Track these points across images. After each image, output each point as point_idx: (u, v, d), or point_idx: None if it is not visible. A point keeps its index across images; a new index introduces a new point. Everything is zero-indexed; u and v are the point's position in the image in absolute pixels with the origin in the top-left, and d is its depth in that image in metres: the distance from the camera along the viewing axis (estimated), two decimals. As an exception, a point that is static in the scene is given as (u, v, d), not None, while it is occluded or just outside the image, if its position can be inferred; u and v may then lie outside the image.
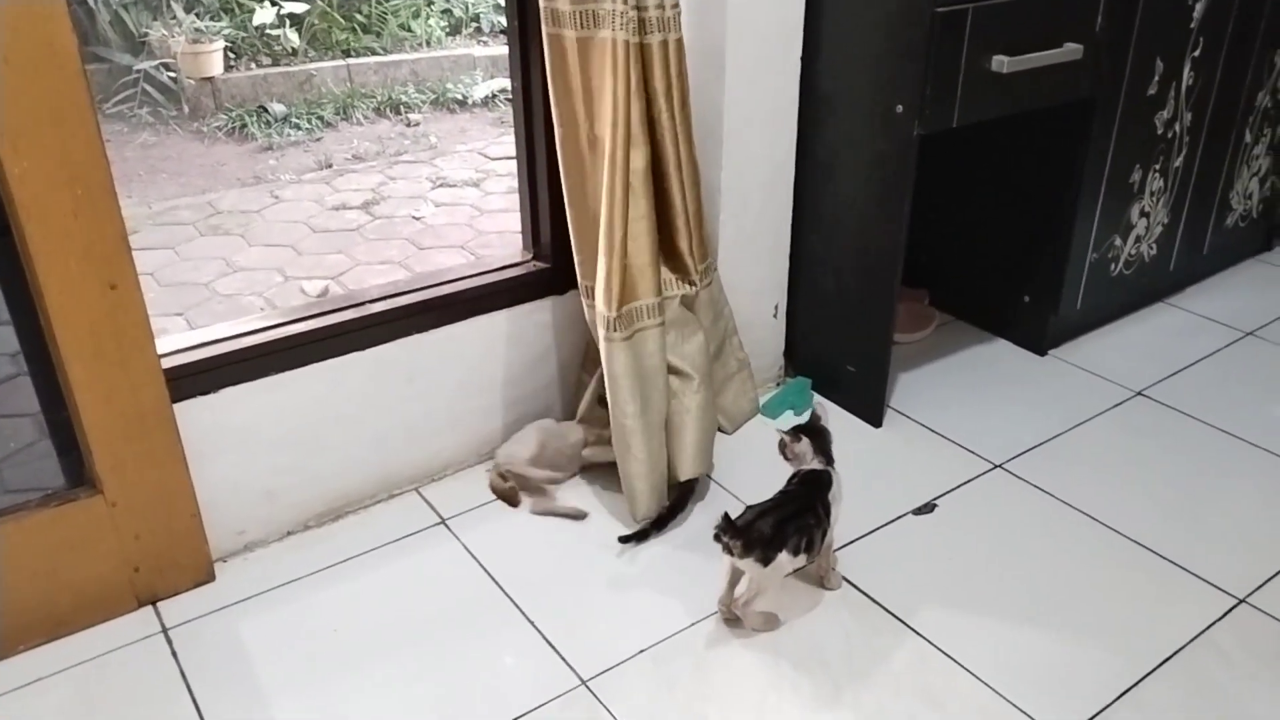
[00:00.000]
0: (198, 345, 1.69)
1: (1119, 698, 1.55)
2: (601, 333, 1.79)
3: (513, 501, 1.95)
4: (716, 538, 1.57)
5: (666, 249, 1.90)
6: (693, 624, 1.68)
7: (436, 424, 1.98)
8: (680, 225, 1.88)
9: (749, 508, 1.62)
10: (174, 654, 1.63)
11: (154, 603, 1.72)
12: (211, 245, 3.69)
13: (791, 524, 1.58)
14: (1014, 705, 1.54)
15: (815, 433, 1.71)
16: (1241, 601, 1.73)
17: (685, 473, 1.93)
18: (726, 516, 1.57)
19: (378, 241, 3.71)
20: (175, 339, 1.70)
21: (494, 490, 1.97)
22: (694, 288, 1.94)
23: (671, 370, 1.92)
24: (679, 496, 1.92)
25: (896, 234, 2.01)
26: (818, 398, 2.26)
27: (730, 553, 1.58)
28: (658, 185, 1.84)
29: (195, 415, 1.69)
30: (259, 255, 3.61)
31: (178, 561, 1.72)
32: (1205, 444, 2.15)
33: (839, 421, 2.21)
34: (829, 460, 1.70)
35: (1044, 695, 1.55)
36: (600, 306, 1.78)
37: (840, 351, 2.22)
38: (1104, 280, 2.43)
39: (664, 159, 1.81)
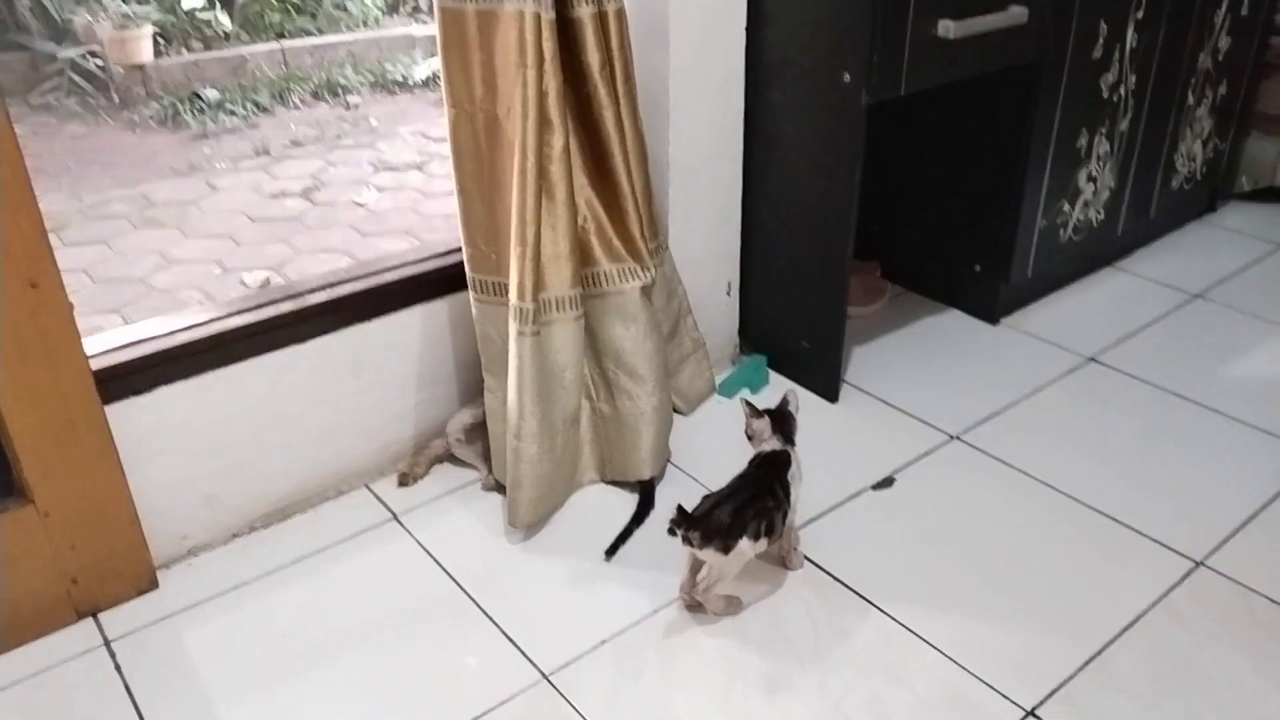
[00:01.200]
0: (129, 344, 1.62)
1: (1083, 667, 1.55)
2: (513, 326, 1.73)
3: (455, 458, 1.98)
4: (671, 531, 1.54)
5: (620, 234, 1.84)
6: (654, 612, 1.65)
7: (386, 417, 1.92)
8: (629, 209, 1.82)
9: (705, 497, 1.59)
10: (117, 667, 1.57)
11: (95, 614, 1.65)
12: (146, 238, 3.58)
13: (750, 509, 1.55)
14: (981, 680, 1.53)
15: (779, 416, 1.68)
16: (1199, 564, 1.74)
17: (643, 473, 1.90)
18: (681, 509, 1.53)
19: (319, 229, 3.62)
20: (105, 338, 1.63)
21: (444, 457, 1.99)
22: (650, 274, 1.87)
23: (628, 371, 1.87)
24: (645, 495, 1.88)
25: (847, 206, 1.98)
26: (792, 386, 2.22)
27: (689, 544, 1.54)
28: (600, 167, 1.78)
29: (129, 417, 1.62)
30: (196, 247, 3.50)
31: (118, 571, 1.65)
32: (1158, 408, 2.16)
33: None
34: (788, 441, 1.67)
35: (1010, 668, 1.54)
36: (513, 298, 1.72)
37: (794, 327, 2.19)
38: (1053, 247, 2.43)
39: (605, 140, 1.75)
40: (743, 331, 2.31)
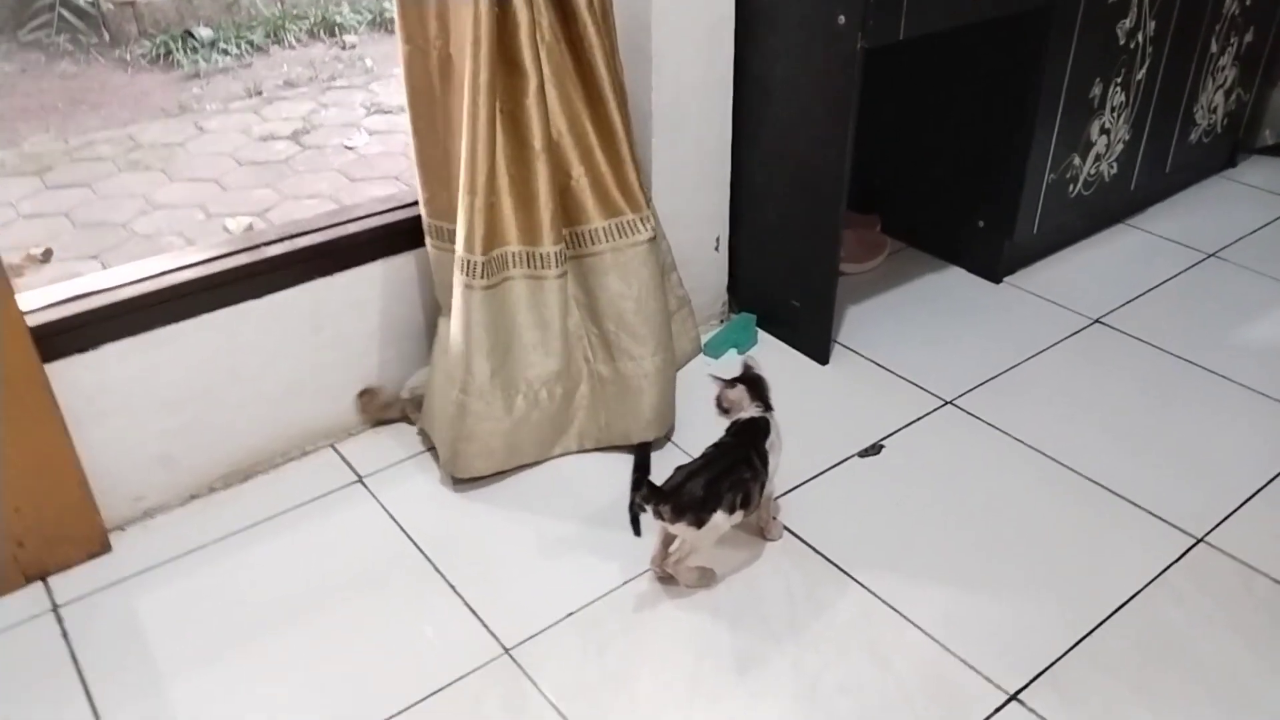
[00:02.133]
0: (70, 299, 1.54)
1: (1071, 648, 1.47)
2: (458, 278, 1.64)
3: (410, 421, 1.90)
4: (640, 506, 1.46)
5: (619, 184, 1.74)
6: (624, 583, 1.57)
7: (350, 375, 1.84)
8: (625, 154, 1.71)
9: (678, 468, 1.51)
10: (64, 634, 1.51)
11: (44, 578, 1.59)
12: (131, 182, 3.48)
13: (724, 480, 1.47)
14: (963, 661, 1.45)
15: (750, 381, 1.59)
16: (1199, 541, 1.65)
17: (646, 435, 1.82)
18: (649, 483, 1.46)
19: (307, 174, 3.51)
20: (43, 293, 1.55)
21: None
22: (651, 227, 1.77)
23: (629, 331, 1.78)
24: (641, 456, 1.77)
25: (840, 158, 1.87)
26: (750, 352, 2.12)
27: (660, 518, 1.47)
28: (595, 113, 1.68)
29: (73, 375, 1.55)
30: (181, 191, 3.40)
31: (66, 534, 1.59)
32: (1165, 373, 2.06)
33: (784, 359, 2.10)
34: (766, 407, 1.58)
35: (995, 649, 1.47)
36: (459, 249, 1.62)
37: (784, 285, 2.10)
38: (1062, 202, 2.31)
39: (598, 83, 1.64)
40: (731, 289, 2.21)
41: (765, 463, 1.54)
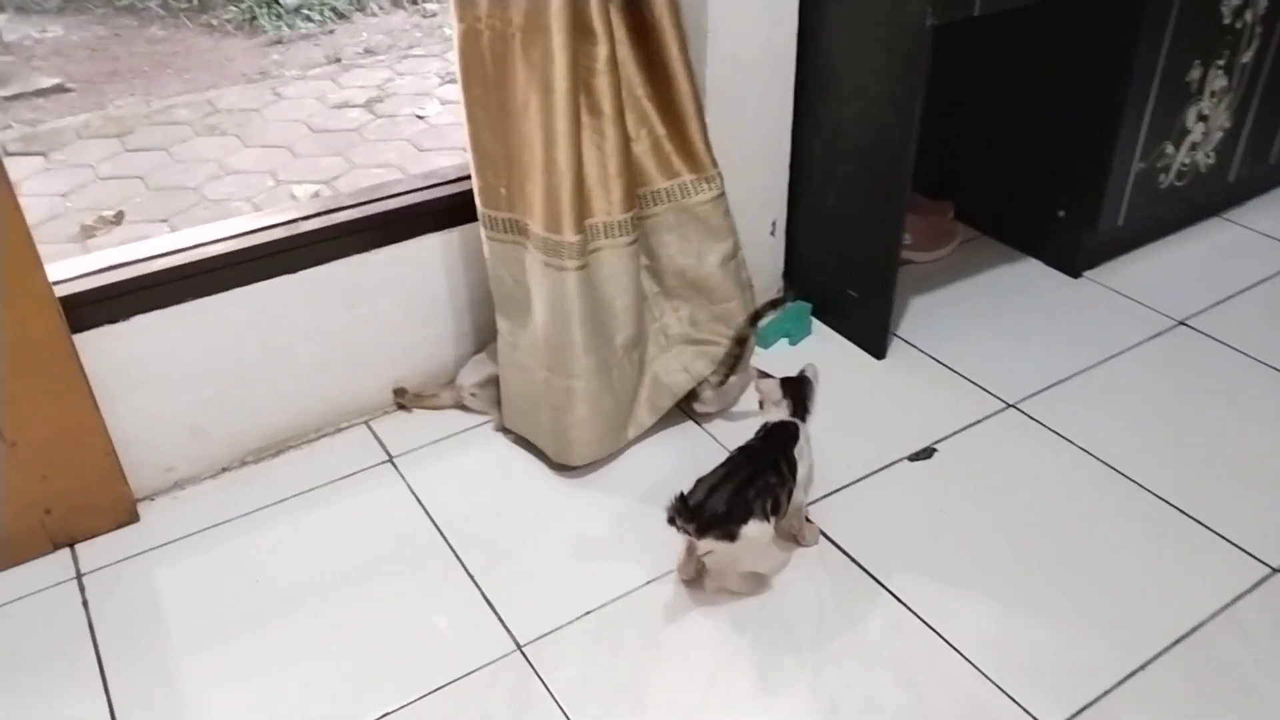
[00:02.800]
0: (100, 270, 1.53)
1: (1120, 683, 1.36)
2: (537, 260, 1.57)
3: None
4: (671, 521, 1.39)
5: (679, 146, 1.68)
6: (647, 583, 1.51)
7: (384, 353, 1.81)
8: (692, 113, 1.64)
9: (699, 481, 1.43)
10: (85, 602, 1.51)
11: (72, 545, 1.60)
12: (206, 146, 3.51)
13: (749, 488, 1.39)
14: (998, 687, 1.36)
15: (793, 381, 1.51)
16: (1275, 572, 1.51)
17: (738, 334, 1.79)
18: (681, 497, 1.38)
19: (378, 142, 3.50)
20: (74, 264, 1.54)
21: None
22: (716, 185, 1.71)
23: (692, 285, 1.77)
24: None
25: (905, 140, 1.75)
26: (802, 343, 2.03)
27: (687, 534, 1.40)
28: (654, 75, 1.61)
29: (103, 346, 1.54)
30: (253, 157, 3.43)
31: (94, 503, 1.59)
32: (1253, 384, 1.90)
33: (838, 351, 2.00)
34: (802, 411, 1.49)
35: (1035, 678, 1.37)
36: (539, 230, 1.56)
37: (842, 274, 1.99)
38: (1151, 193, 2.14)
39: (661, 41, 1.56)
40: (788, 275, 2.11)
41: (793, 469, 1.45)
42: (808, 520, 1.56)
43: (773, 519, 1.42)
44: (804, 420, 1.50)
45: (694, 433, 1.80)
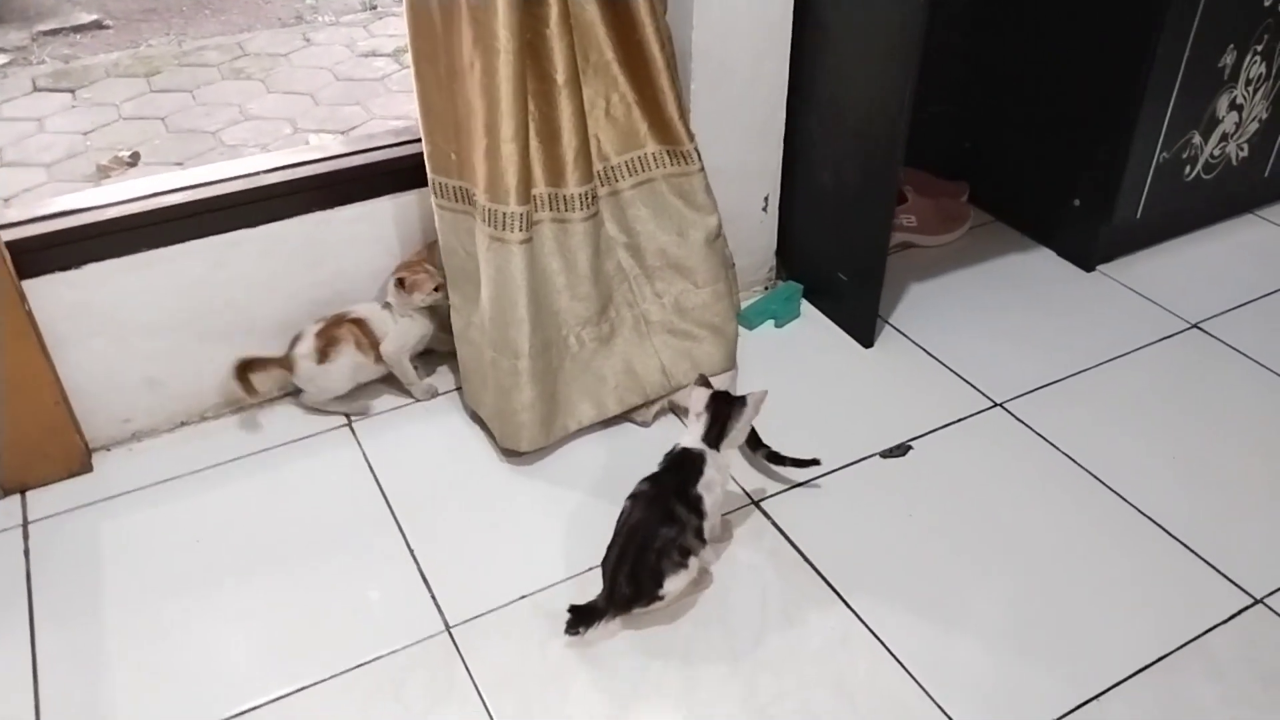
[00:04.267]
0: (51, 215, 1.50)
1: (1068, 713, 1.28)
2: (485, 232, 1.51)
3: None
4: (575, 632, 1.34)
5: (649, 116, 1.60)
6: (589, 569, 1.45)
7: (351, 314, 1.77)
8: (664, 84, 1.56)
9: (605, 559, 1.36)
10: (26, 551, 1.50)
11: (24, 491, 1.60)
12: (231, 90, 3.50)
13: (649, 555, 1.33)
14: (940, 708, 1.28)
15: (726, 402, 1.41)
16: (1258, 602, 1.42)
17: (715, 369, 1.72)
18: (573, 610, 1.33)
19: (400, 93, 3.45)
20: (24, 208, 1.52)
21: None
22: (690, 161, 1.64)
23: (678, 267, 1.70)
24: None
25: (899, 115, 1.65)
26: (788, 326, 1.95)
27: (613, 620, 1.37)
28: (624, 38, 1.53)
29: (54, 293, 1.52)
30: (275, 103, 3.40)
31: (45, 451, 1.58)
32: (1265, 397, 1.78)
33: (824, 337, 1.92)
34: (715, 436, 1.40)
35: (979, 699, 1.29)
36: (482, 199, 1.49)
37: (832, 255, 1.90)
38: (1175, 185, 2.01)
39: (632, 7, 1.48)
40: (781, 254, 2.03)
41: (697, 507, 1.36)
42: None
43: (691, 559, 1.36)
44: (716, 448, 1.40)
45: (668, 419, 1.74)
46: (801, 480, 1.60)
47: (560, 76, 1.46)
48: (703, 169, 1.66)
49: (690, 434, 1.41)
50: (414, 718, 1.28)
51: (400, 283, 1.66)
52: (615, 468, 1.60)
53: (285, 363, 1.67)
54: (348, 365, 1.68)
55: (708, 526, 1.38)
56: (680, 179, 1.65)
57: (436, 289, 1.67)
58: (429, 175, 1.57)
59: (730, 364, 1.74)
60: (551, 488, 1.60)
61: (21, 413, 1.54)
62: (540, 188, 1.52)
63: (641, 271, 1.70)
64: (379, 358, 1.70)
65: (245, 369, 1.64)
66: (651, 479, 1.39)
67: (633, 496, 1.38)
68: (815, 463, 1.58)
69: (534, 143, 1.50)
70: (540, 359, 1.57)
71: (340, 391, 1.71)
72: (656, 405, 1.71)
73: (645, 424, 1.71)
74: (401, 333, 1.70)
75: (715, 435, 1.40)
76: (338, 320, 1.69)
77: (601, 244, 1.61)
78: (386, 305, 1.71)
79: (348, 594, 1.44)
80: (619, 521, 1.38)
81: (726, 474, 1.43)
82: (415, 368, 1.75)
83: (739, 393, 1.44)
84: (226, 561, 1.49)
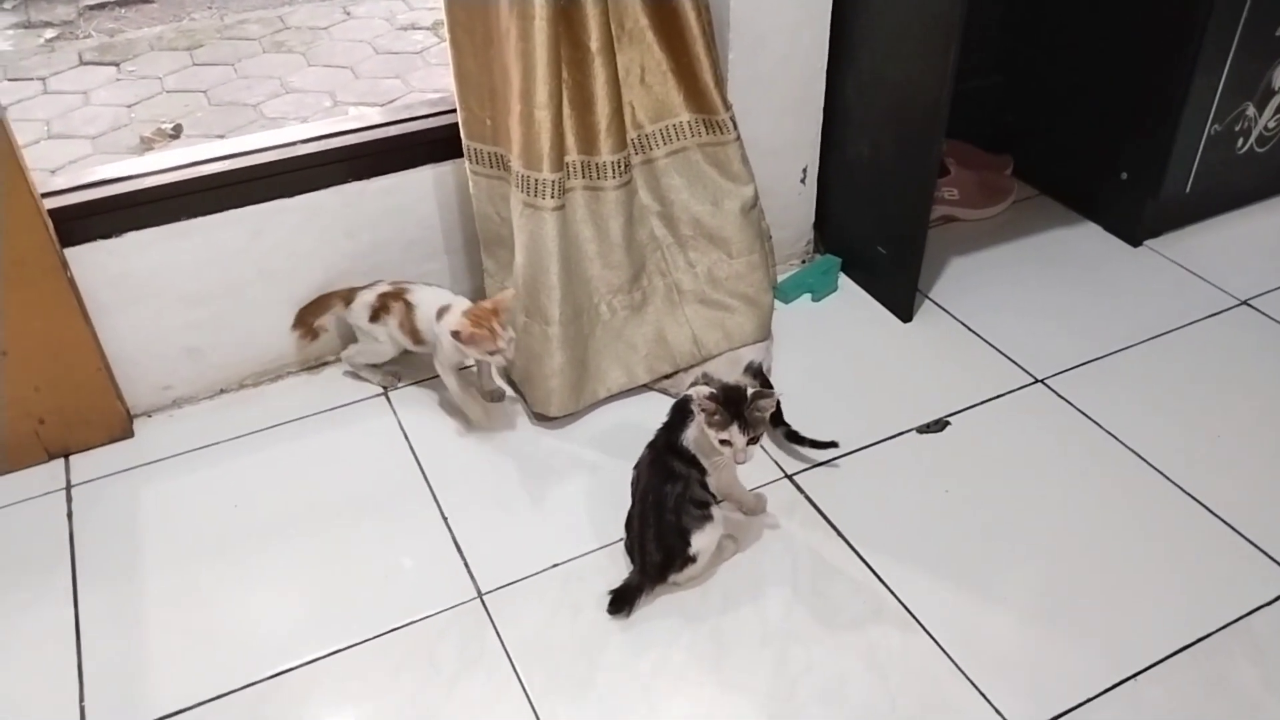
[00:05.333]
0: (92, 184, 1.52)
1: (1105, 691, 1.26)
2: (518, 197, 1.51)
3: None
4: (619, 613, 1.36)
5: (686, 86, 1.59)
6: (620, 539, 1.45)
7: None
8: (700, 53, 1.55)
9: (627, 530, 1.39)
10: (69, 514, 1.53)
11: (67, 456, 1.63)
12: (272, 63, 3.52)
13: (665, 516, 1.33)
14: (971, 684, 1.27)
15: (732, 400, 1.29)
16: (1304, 584, 1.39)
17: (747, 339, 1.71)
18: (613, 594, 1.36)
19: (438, 67, 3.45)
20: (67, 176, 1.54)
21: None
22: (725, 132, 1.63)
23: (712, 237, 1.68)
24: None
25: (940, 85, 1.62)
26: (826, 300, 1.92)
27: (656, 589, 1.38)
28: (659, 5, 1.51)
29: (95, 261, 1.54)
30: (316, 77, 3.42)
31: (87, 416, 1.61)
32: (1316, 374, 1.74)
33: (863, 311, 1.89)
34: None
35: (1016, 677, 1.28)
36: (517, 166, 1.49)
37: (871, 229, 1.88)
38: (1226, 159, 1.96)
39: None
40: (819, 227, 2.00)
41: (690, 458, 1.33)
42: (752, 491, 1.50)
43: (710, 509, 1.35)
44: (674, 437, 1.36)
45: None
46: (828, 459, 1.58)
47: (594, 44, 1.45)
48: (739, 138, 1.64)
49: (686, 389, 1.40)
50: (445, 682, 1.29)
51: (456, 333, 1.50)
52: (648, 437, 1.59)
53: (347, 296, 1.68)
54: (386, 336, 1.67)
55: (712, 480, 1.36)
56: (715, 148, 1.64)
57: (492, 353, 1.52)
58: (464, 141, 1.57)
59: (763, 335, 1.73)
60: (585, 457, 1.60)
61: (64, 378, 1.56)
62: (573, 155, 1.52)
63: (675, 240, 1.70)
64: (417, 342, 1.66)
65: (306, 314, 1.69)
66: (650, 444, 1.39)
67: (637, 465, 1.39)
68: (833, 445, 1.56)
69: (567, 110, 1.50)
70: (571, 325, 1.56)
71: (379, 356, 1.71)
72: (690, 375, 1.71)
73: (676, 396, 1.70)
74: (369, 350, 1.70)
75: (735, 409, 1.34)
76: (398, 293, 1.65)
77: (635, 212, 1.60)
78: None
79: (382, 560, 1.45)
80: (632, 495, 1.38)
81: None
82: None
83: (773, 363, 1.42)
84: (263, 527, 1.51)
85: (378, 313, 1.65)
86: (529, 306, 1.56)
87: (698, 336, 1.70)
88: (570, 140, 1.51)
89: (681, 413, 1.36)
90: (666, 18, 1.51)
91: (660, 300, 1.70)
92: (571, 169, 1.51)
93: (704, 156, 1.64)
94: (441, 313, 1.58)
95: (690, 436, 1.33)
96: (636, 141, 1.59)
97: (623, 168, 1.54)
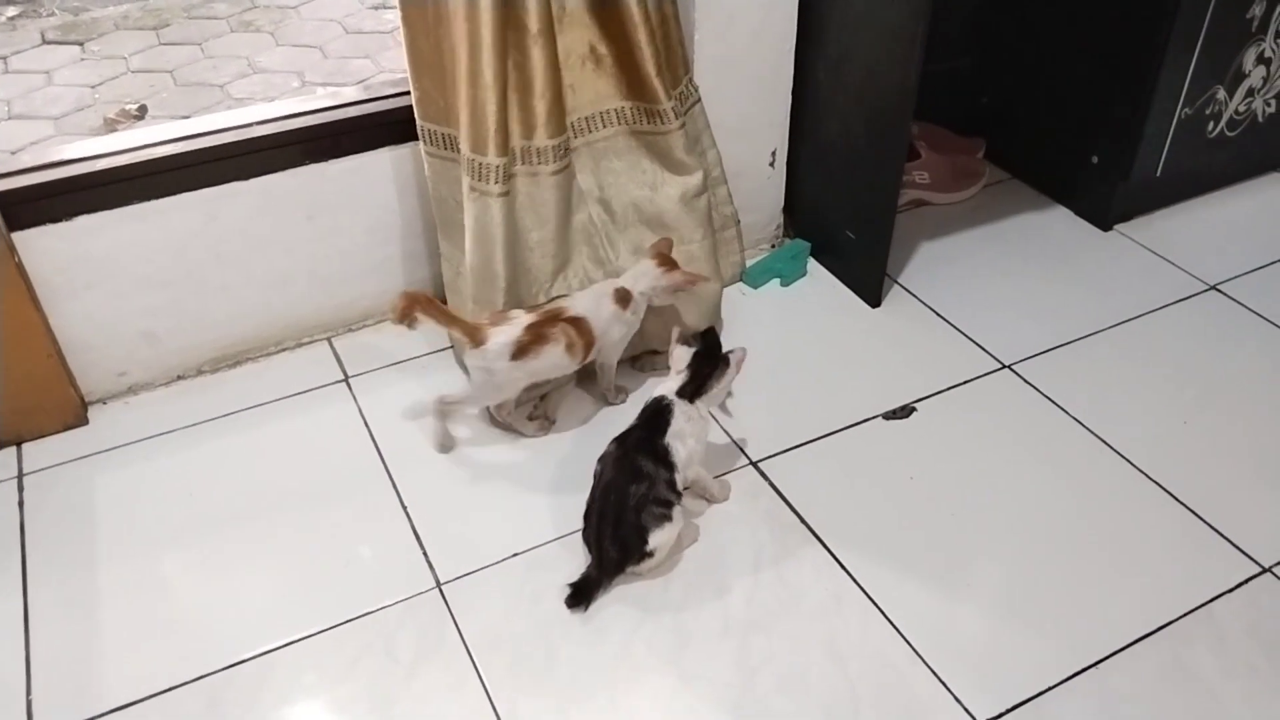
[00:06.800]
0: (40, 167, 1.48)
1: (1064, 680, 1.25)
2: (465, 183, 1.48)
3: None
4: (577, 605, 1.34)
5: (628, 74, 1.56)
6: (579, 529, 1.43)
7: (348, 269, 1.74)
8: (641, 40, 1.51)
9: (585, 525, 1.37)
10: (21, 503, 1.50)
11: (19, 444, 1.59)
12: (239, 43, 3.46)
13: (627, 515, 1.31)
14: (934, 674, 1.26)
15: (709, 359, 1.39)
16: (1266, 571, 1.38)
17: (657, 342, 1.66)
18: (571, 587, 1.34)
19: (409, 47, 3.41)
20: (12, 160, 1.50)
21: None
22: (670, 120, 1.59)
23: (650, 222, 1.65)
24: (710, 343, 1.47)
25: (908, 72, 1.60)
26: (793, 285, 1.90)
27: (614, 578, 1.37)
28: None
29: (45, 245, 1.50)
30: (283, 57, 3.36)
31: (39, 403, 1.57)
32: (1282, 360, 1.74)
33: (831, 297, 1.88)
34: (693, 390, 1.38)
35: (976, 666, 1.27)
36: (465, 149, 1.46)
37: (839, 212, 1.86)
38: (1197, 142, 1.95)
39: None
40: (789, 211, 1.98)
41: (664, 459, 1.34)
42: (716, 478, 1.49)
43: (672, 508, 1.34)
44: (691, 401, 1.38)
45: (641, 377, 1.71)
46: (803, 441, 1.57)
47: (534, 25, 1.43)
48: (683, 128, 1.60)
49: (665, 385, 1.40)
50: (403, 673, 1.27)
51: (675, 282, 1.52)
52: (607, 426, 1.57)
53: (472, 333, 1.45)
54: (544, 365, 1.49)
55: (680, 478, 1.36)
56: (654, 137, 1.61)
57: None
58: (418, 122, 1.54)
59: (706, 322, 1.68)
60: (544, 446, 1.58)
61: (14, 365, 1.53)
62: (516, 140, 1.50)
63: (613, 225, 1.66)
64: (589, 355, 1.53)
65: (416, 304, 1.44)
66: (618, 439, 1.38)
67: (601, 459, 1.37)
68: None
69: (515, 95, 1.48)
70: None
71: (500, 396, 1.55)
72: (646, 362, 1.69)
73: (617, 400, 1.67)
74: (488, 393, 1.53)
75: (691, 391, 1.38)
76: (553, 316, 1.48)
77: (574, 197, 1.59)
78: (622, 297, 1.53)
79: (340, 549, 1.43)
80: (593, 486, 1.37)
81: (702, 425, 1.40)
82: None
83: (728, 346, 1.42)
84: (220, 515, 1.48)
85: (524, 349, 1.47)
86: (477, 295, 1.54)
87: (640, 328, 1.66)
88: (514, 125, 1.48)
89: (661, 414, 1.36)
90: (606, 3, 1.48)
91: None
92: (514, 154, 1.49)
93: (642, 144, 1.61)
94: (621, 294, 1.53)
95: (675, 430, 1.35)
96: (577, 125, 1.57)
97: (561, 153, 1.52)
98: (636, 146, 1.61)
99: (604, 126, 1.58)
